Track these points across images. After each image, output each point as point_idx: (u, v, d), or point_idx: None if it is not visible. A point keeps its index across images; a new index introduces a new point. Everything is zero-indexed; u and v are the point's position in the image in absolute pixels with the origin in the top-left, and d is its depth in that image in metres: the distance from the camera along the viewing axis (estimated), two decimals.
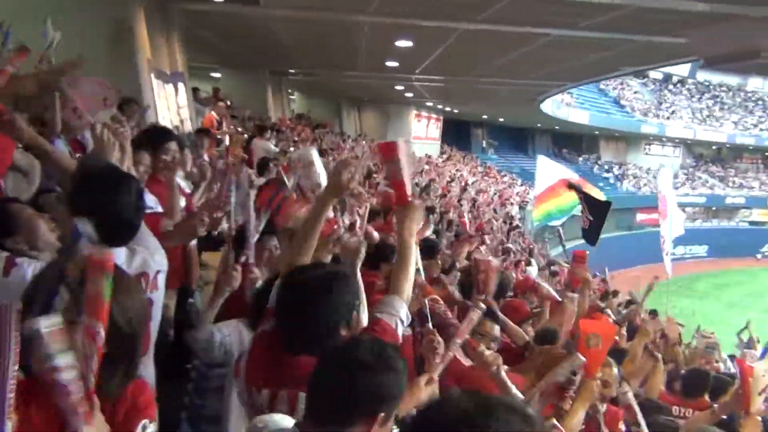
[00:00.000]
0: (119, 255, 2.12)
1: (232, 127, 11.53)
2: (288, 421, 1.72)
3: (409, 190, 2.52)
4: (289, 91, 23.05)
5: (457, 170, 26.77)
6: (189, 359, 2.97)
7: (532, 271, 12.07)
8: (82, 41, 5.44)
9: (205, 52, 14.98)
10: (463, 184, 22.90)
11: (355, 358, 1.58)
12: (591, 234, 11.71)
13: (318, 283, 1.99)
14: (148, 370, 2.25)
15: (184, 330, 2.89)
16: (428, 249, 4.96)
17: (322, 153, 11.99)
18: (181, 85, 9.72)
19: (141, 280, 2.18)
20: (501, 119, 34.86)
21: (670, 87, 45.18)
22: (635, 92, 42.56)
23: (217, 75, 18.36)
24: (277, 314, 2.06)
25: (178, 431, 2.91)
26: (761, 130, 43.90)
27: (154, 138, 3.86)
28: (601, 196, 10.01)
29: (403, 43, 12.03)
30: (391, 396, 1.61)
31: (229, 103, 14.45)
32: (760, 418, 3.60)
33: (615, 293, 13.08)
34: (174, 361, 2.97)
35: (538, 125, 36.43)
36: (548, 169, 12.13)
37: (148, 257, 2.25)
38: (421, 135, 29.37)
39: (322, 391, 1.60)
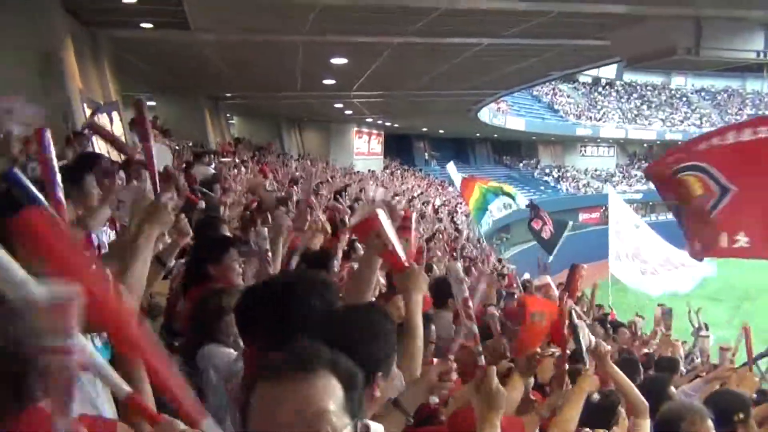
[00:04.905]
0: None
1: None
2: None
3: (402, 255, 2.11)
4: (228, 115, 22.85)
5: (402, 184, 26.99)
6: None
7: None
8: (11, 72, 5.36)
9: (138, 80, 14.75)
10: (409, 197, 23.09)
11: None
12: (549, 246, 12.65)
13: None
14: None
15: None
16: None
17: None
18: (115, 114, 9.54)
19: None
20: (441, 131, 35.39)
21: (600, 89, 46.86)
22: (567, 96, 43.97)
23: (152, 103, 18.05)
24: None
25: None
26: (688, 125, 46.03)
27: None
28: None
29: (338, 61, 12.13)
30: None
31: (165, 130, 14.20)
32: None
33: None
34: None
35: (477, 134, 37.13)
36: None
37: None
38: (363, 151, 29.52)
39: None
